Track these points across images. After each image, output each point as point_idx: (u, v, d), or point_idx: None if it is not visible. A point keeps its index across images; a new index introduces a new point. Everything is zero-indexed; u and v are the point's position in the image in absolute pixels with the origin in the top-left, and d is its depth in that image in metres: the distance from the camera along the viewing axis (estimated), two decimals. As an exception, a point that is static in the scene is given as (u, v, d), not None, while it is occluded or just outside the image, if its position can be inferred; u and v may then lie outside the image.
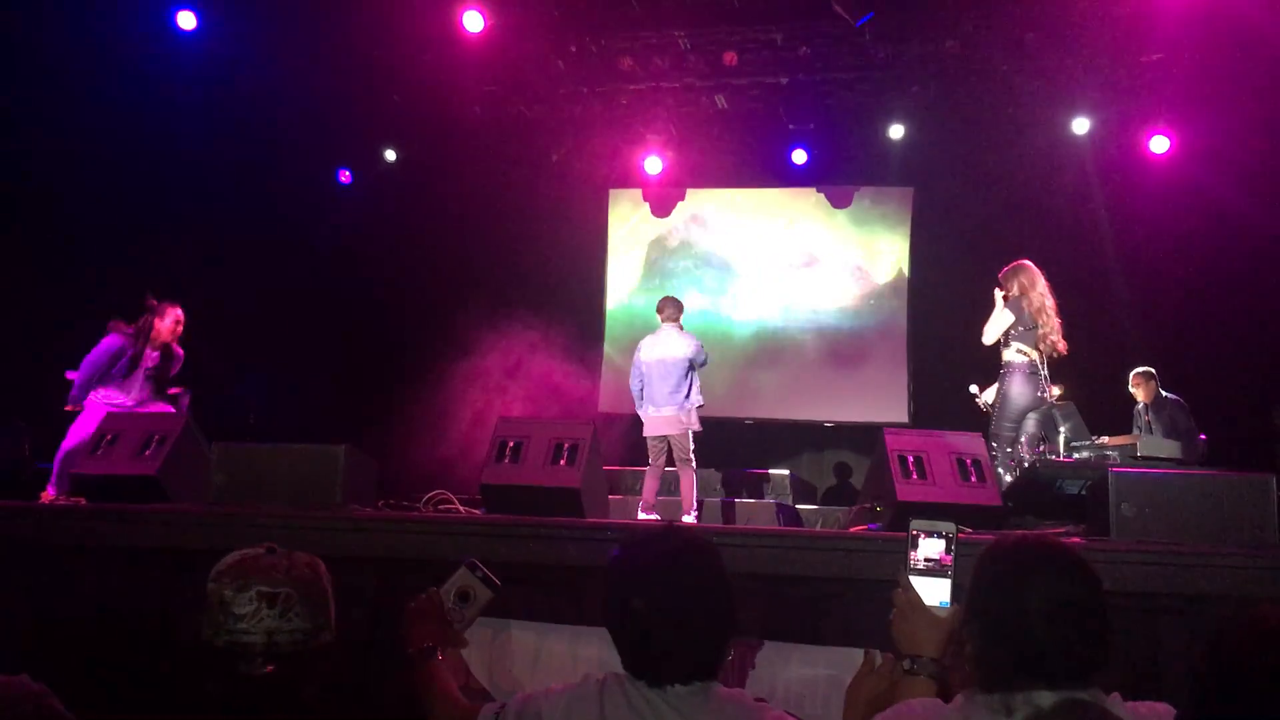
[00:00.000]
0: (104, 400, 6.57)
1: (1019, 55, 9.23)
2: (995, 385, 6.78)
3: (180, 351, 6.91)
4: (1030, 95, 9.58)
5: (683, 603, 2.06)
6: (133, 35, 8.46)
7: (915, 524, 2.23)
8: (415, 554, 4.10)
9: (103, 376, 6.58)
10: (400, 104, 10.37)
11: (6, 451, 7.27)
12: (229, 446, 5.00)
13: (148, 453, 5.06)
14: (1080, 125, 9.72)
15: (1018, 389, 6.51)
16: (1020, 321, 6.51)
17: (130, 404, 6.59)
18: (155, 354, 6.78)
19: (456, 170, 10.83)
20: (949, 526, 2.20)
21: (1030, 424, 6.57)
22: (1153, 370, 8.41)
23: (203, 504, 4.89)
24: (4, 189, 7.76)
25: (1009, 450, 6.44)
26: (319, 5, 8.84)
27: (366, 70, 9.76)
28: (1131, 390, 8.45)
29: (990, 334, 6.63)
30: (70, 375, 6.60)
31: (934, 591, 2.15)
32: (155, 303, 6.78)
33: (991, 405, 6.83)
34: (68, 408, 6.57)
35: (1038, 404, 6.55)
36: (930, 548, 2.21)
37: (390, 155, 11.11)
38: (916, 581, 2.17)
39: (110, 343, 6.64)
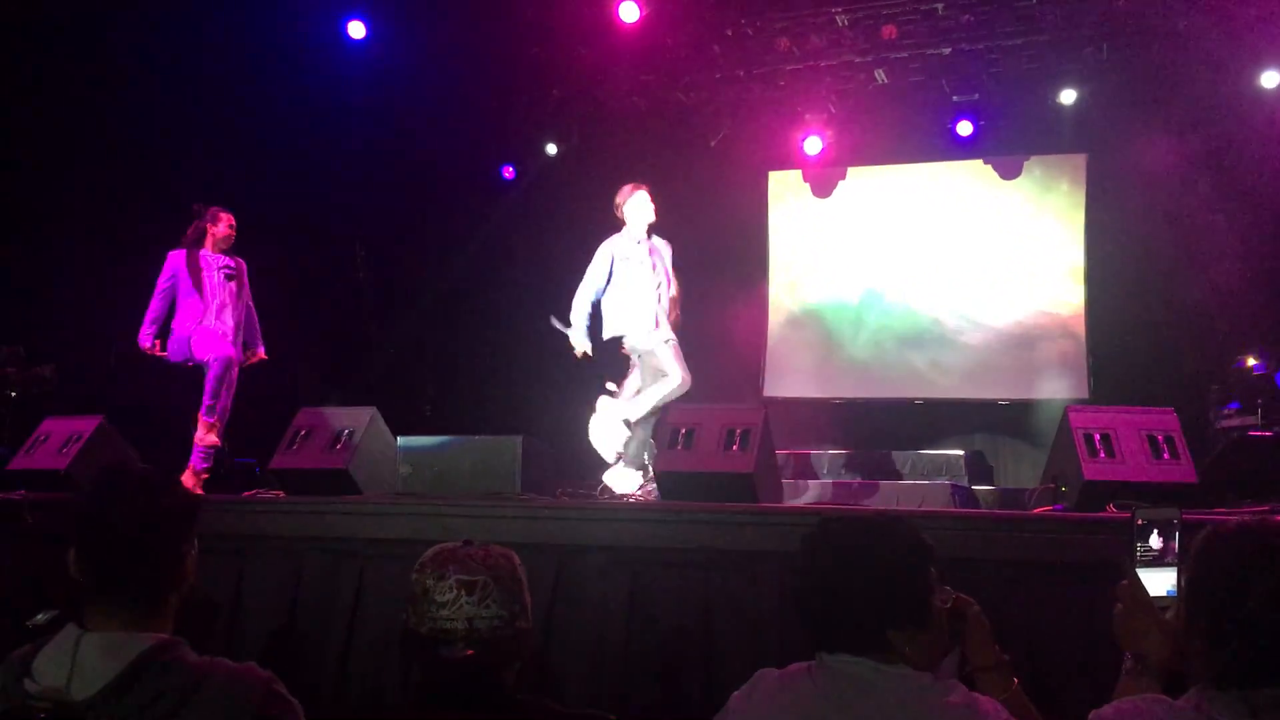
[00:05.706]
0: (183, 320, 6.10)
1: (1197, 8, 8.71)
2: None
3: (242, 263, 6.47)
4: (1212, 50, 9.02)
5: (888, 583, 2.06)
6: (305, 45, 8.85)
7: (1140, 512, 2.15)
8: (593, 540, 4.19)
9: (174, 299, 6.16)
10: (560, 98, 10.54)
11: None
12: (412, 439, 5.24)
13: (339, 446, 5.33)
14: (1270, 79, 9.09)
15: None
16: None
17: (212, 309, 6.15)
18: (220, 256, 6.28)
19: (616, 161, 10.90)
20: (1173, 513, 2.13)
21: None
22: None
23: (389, 495, 5.13)
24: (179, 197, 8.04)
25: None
26: (480, 8, 9.08)
27: (528, 68, 9.98)
28: None
29: None
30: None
31: (1160, 581, 2.08)
32: (200, 207, 6.30)
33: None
34: (144, 347, 6.23)
35: None
36: (1158, 537, 2.14)
37: (551, 149, 11.28)
38: (1144, 574, 2.07)
39: (166, 265, 6.20)
